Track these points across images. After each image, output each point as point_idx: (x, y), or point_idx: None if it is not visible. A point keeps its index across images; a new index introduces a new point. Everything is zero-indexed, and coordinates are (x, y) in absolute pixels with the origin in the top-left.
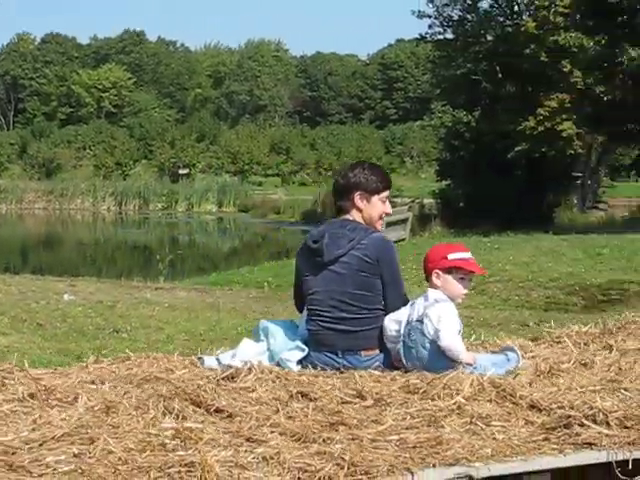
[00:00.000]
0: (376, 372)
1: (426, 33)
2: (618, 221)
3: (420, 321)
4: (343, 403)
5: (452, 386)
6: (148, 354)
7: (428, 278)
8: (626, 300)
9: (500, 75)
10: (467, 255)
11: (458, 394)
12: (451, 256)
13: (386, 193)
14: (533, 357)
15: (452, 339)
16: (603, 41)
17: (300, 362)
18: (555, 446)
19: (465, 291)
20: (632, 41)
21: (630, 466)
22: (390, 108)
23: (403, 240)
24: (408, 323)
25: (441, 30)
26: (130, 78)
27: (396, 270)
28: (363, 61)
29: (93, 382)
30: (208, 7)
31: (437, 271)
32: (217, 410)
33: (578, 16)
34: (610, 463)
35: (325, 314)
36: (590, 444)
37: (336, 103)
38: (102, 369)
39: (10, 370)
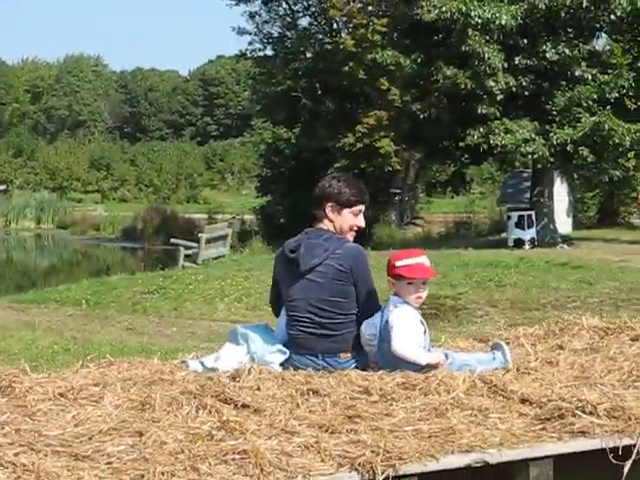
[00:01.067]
0: (362, 372)
1: (246, 50)
2: (434, 237)
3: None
4: (352, 399)
5: (447, 382)
6: (129, 359)
7: None
8: (442, 314)
9: (320, 92)
10: (414, 261)
11: (454, 390)
12: (398, 263)
13: (359, 207)
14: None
15: (400, 345)
16: (419, 59)
17: (282, 364)
18: (553, 435)
19: (416, 295)
20: (447, 60)
21: (620, 452)
22: (211, 124)
23: (223, 256)
24: (381, 328)
25: (261, 47)
26: None
27: (369, 278)
28: (184, 77)
29: (97, 384)
30: (25, 21)
31: (389, 278)
32: (244, 405)
33: (395, 35)
34: (604, 449)
35: (304, 320)
36: (584, 432)
37: (157, 119)
38: (91, 373)
39: (16, 374)
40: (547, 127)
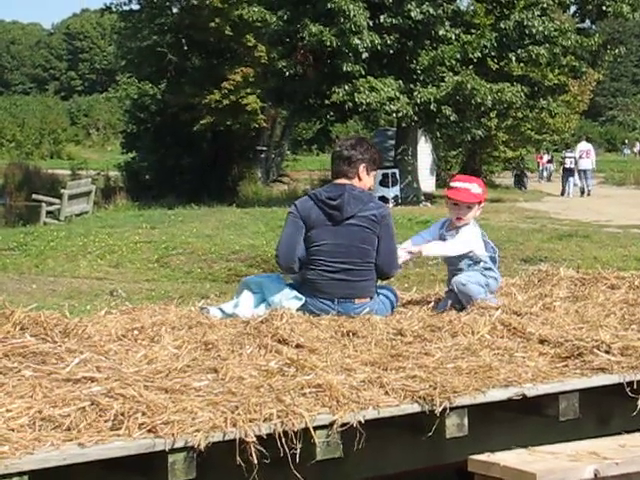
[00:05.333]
0: (381, 317)
1: (111, 3)
2: (300, 194)
3: None
4: (389, 340)
5: (470, 325)
6: (147, 305)
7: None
8: None
9: (186, 48)
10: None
11: (478, 332)
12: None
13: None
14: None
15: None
16: (286, 16)
17: (297, 309)
18: (576, 372)
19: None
20: (313, 17)
21: (635, 386)
22: (75, 79)
23: (86, 213)
24: None
25: (126, 1)
26: None
27: (393, 229)
28: (47, 30)
29: (135, 328)
30: None
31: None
32: (298, 345)
33: None
34: (621, 384)
35: (329, 264)
36: (603, 369)
37: (19, 73)
38: (122, 318)
39: (60, 319)
40: (411, 86)
